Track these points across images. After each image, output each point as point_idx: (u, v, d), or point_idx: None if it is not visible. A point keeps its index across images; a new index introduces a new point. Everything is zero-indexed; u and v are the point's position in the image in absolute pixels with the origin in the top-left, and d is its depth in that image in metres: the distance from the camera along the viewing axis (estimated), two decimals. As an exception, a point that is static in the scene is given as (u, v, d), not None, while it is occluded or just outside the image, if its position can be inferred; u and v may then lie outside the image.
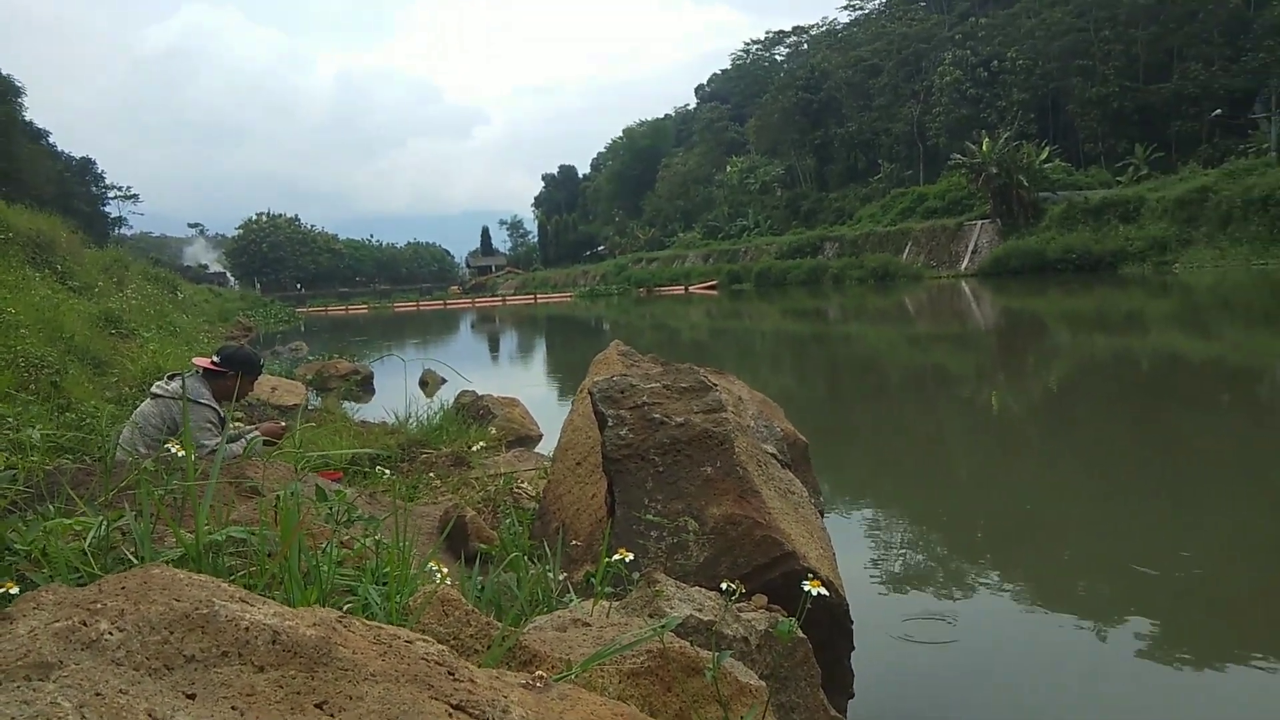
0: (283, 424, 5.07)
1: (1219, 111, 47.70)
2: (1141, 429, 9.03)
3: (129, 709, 0.89)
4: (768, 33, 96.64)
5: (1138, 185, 45.71)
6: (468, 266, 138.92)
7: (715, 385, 3.57)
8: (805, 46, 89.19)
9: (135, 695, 0.91)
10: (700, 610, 2.39)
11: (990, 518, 6.46)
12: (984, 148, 48.59)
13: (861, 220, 61.14)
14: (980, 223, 49.36)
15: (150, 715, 0.89)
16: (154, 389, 4.68)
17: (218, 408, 4.66)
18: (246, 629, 1.03)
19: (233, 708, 0.95)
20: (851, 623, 3.01)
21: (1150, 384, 12.08)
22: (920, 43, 66.89)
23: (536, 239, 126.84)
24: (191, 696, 0.95)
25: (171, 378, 4.71)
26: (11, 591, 1.83)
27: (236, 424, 4.86)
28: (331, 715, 0.98)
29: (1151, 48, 53.29)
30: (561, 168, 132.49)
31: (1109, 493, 6.81)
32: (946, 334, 21.98)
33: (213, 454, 4.37)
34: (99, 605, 1.01)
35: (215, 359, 4.80)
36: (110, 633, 0.98)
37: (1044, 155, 49.08)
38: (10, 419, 5.50)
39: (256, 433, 4.77)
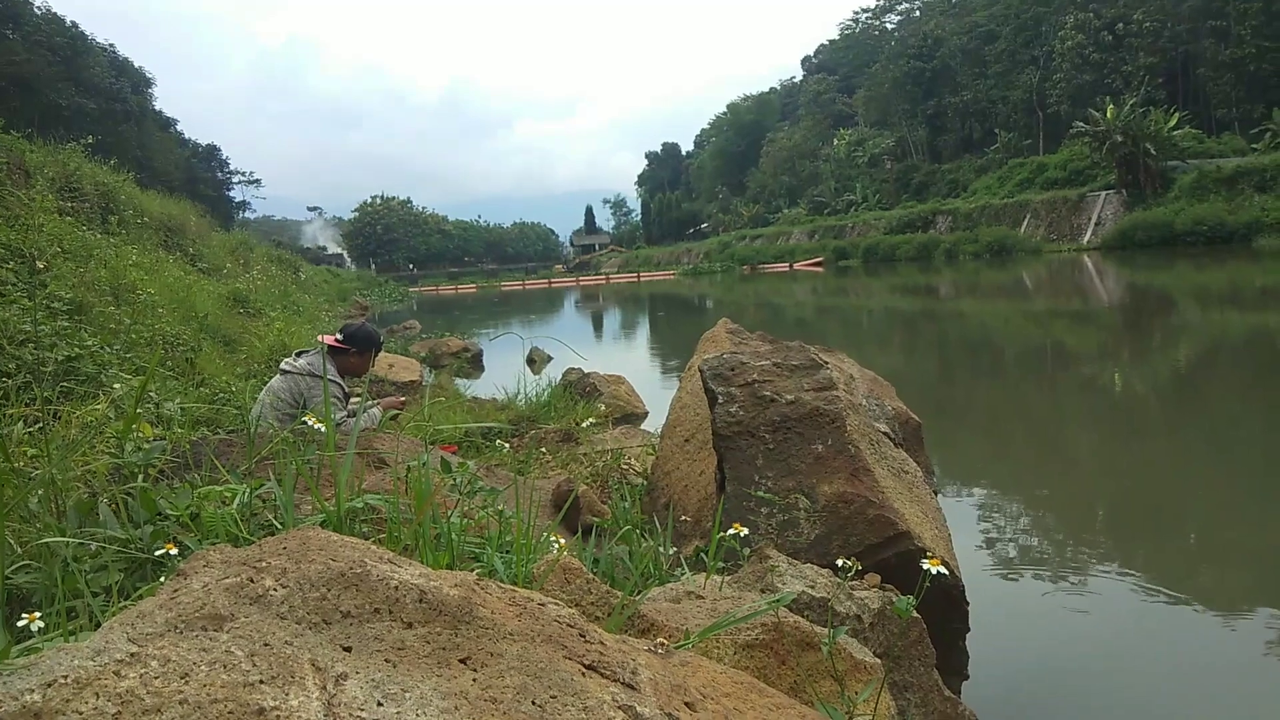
0: (402, 399, 5.28)
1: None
2: (1274, 412, 8.52)
3: (294, 659, 0.97)
4: (878, 0, 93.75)
5: (1275, 152, 42.77)
6: (572, 245, 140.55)
7: (826, 363, 3.54)
8: (918, 14, 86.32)
9: (299, 646, 0.99)
10: (813, 587, 2.40)
11: (1110, 502, 6.23)
12: (1108, 115, 46.26)
13: (976, 192, 59.12)
14: (1104, 193, 47.09)
15: (314, 664, 0.97)
16: (283, 365, 4.92)
17: (342, 383, 4.87)
18: (396, 588, 1.10)
19: (386, 660, 1.02)
20: (967, 604, 2.96)
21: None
22: (1040, 6, 63.89)
23: (640, 217, 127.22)
24: (348, 649, 1.02)
25: (299, 354, 4.94)
26: (171, 552, 1.98)
27: (356, 398, 5.08)
28: (475, 670, 1.04)
29: (1294, 4, 49.68)
30: (665, 145, 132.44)
31: (1237, 478, 6.47)
32: (1066, 310, 21.12)
33: (338, 427, 4.59)
34: (263, 563, 1.10)
35: (339, 337, 5.02)
36: (275, 589, 1.06)
37: (1173, 122, 46.39)
38: (153, 394, 5.88)
39: (378, 408, 4.98)
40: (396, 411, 4.93)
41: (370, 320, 26.73)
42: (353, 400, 5.01)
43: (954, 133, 70.15)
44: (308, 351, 4.96)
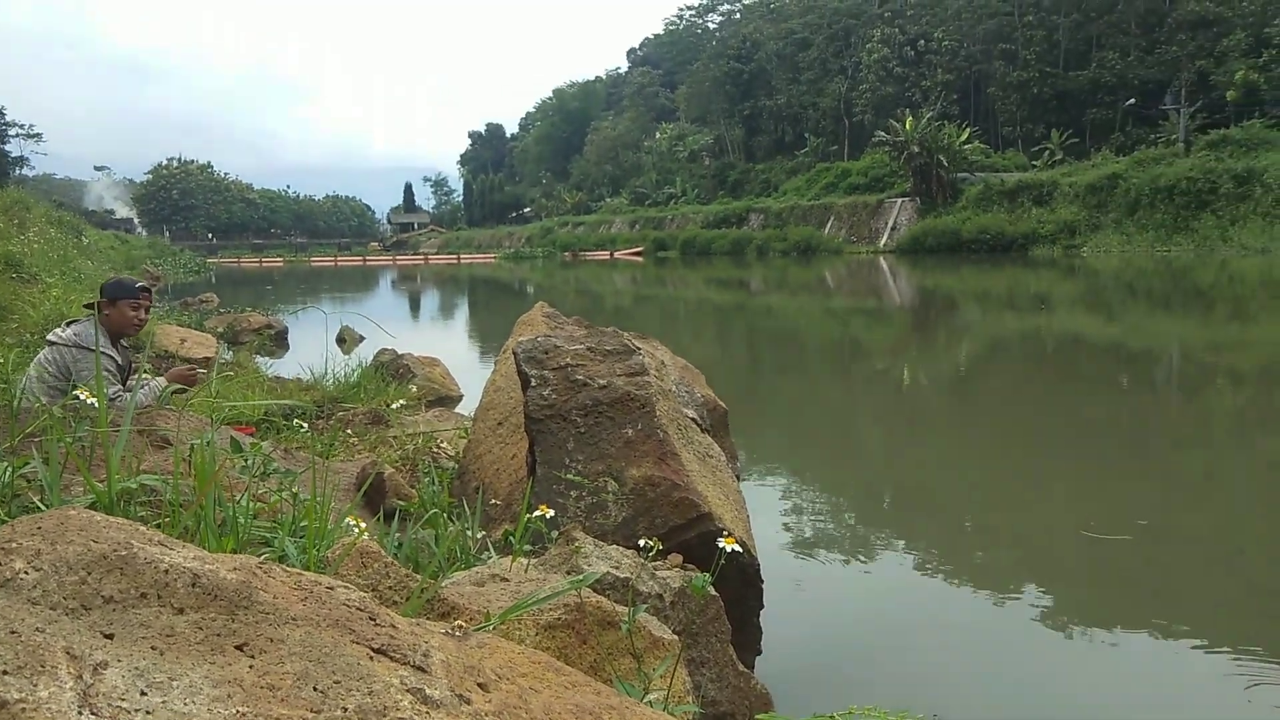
0: (193, 369, 4.87)
1: (1132, 101, 49.51)
2: (1043, 405, 9.42)
3: (46, 646, 0.89)
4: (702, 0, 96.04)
5: (1052, 170, 47.23)
6: (389, 223, 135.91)
7: (639, 349, 3.61)
8: (738, 15, 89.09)
9: (52, 634, 0.91)
10: (617, 568, 2.44)
11: (897, 487, 6.69)
12: (907, 126, 49.50)
13: (787, 193, 61.80)
14: (900, 200, 50.38)
15: (68, 653, 0.89)
16: (49, 336, 4.49)
17: (115, 354, 4.47)
18: (166, 571, 1.03)
19: (152, 647, 0.95)
20: (762, 582, 3.10)
21: (1053, 362, 12.58)
22: (850, 18, 67.53)
23: (461, 198, 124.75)
24: (110, 636, 0.94)
25: (69, 324, 4.52)
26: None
27: (145, 376, 4.67)
28: (252, 657, 0.99)
29: (1072, 35, 54.88)
30: (489, 125, 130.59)
31: (1010, 465, 7.12)
32: (863, 308, 22.47)
33: (111, 402, 4.23)
34: (13, 544, 1.00)
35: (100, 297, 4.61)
36: (26, 572, 0.97)
37: (964, 136, 50.23)
38: (-101, 363, 5.24)
39: (161, 380, 4.60)
40: (183, 386, 4.55)
41: (161, 292, 24.87)
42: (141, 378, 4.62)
43: (768, 134, 72.98)
44: (77, 321, 4.53)
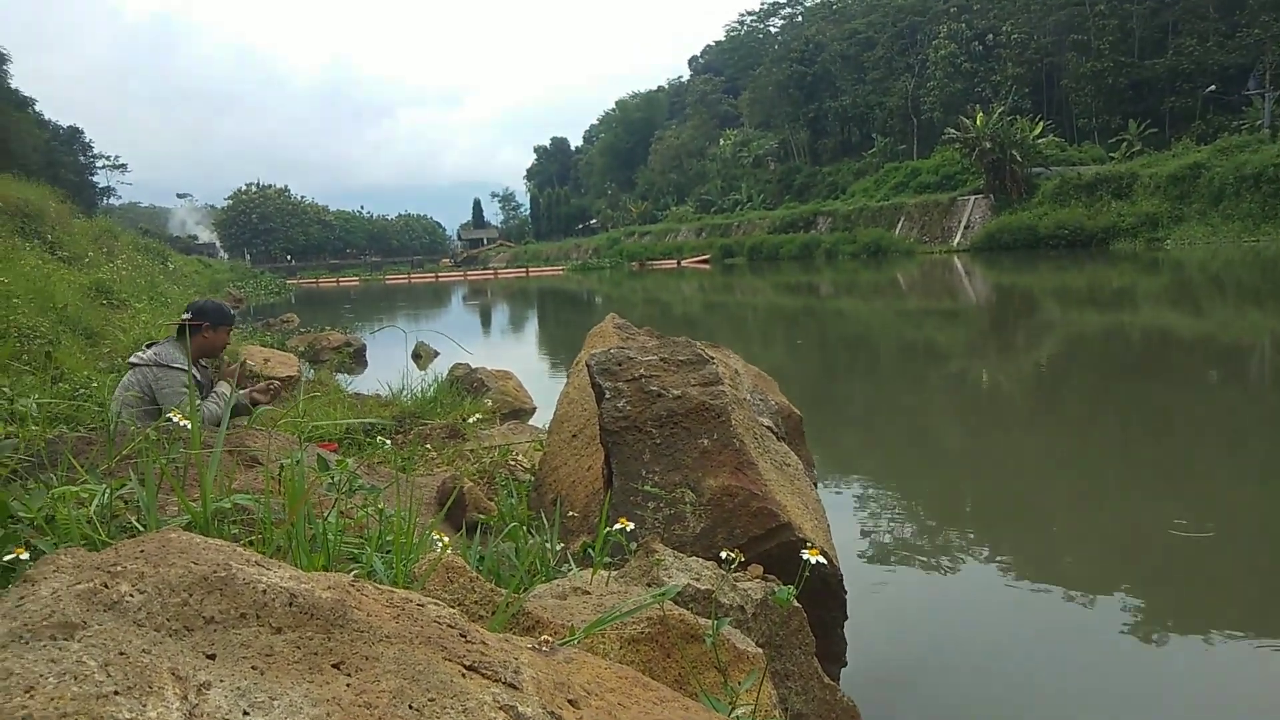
0: (275, 383, 5.00)
1: (1213, 88, 47.71)
2: (1130, 405, 9.10)
3: (153, 668, 0.91)
4: (763, 3, 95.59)
5: (1131, 161, 45.75)
6: (459, 239, 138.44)
7: (712, 358, 3.59)
8: (800, 18, 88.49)
9: (158, 655, 0.93)
10: (698, 579, 2.42)
11: (979, 491, 6.53)
12: (978, 122, 48.48)
13: (855, 195, 61.04)
14: (973, 198, 49.34)
15: (174, 674, 0.91)
16: (132, 358, 4.65)
17: (196, 371, 4.59)
18: (264, 591, 1.05)
19: (253, 667, 0.97)
20: (845, 592, 3.05)
21: (1140, 360, 12.16)
22: (915, 15, 66.51)
23: (529, 212, 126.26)
24: (212, 656, 0.97)
25: (149, 346, 4.67)
26: (21, 557, 1.85)
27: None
28: (349, 675, 1.01)
29: (1147, 23, 53.16)
30: (554, 140, 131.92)
31: (1098, 467, 6.89)
32: (938, 309, 22.04)
33: (215, 415, 4.38)
34: (119, 568, 1.03)
35: (188, 315, 4.75)
36: (131, 594, 1.00)
37: (1038, 130, 48.97)
38: (5, 389, 5.50)
39: (224, 386, 4.72)
40: (264, 401, 4.67)
41: (244, 314, 25.70)
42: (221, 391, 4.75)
43: (834, 136, 72.25)
44: (157, 342, 4.68)
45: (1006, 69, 58.32)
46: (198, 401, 4.45)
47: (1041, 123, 50.40)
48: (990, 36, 60.05)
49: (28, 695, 0.86)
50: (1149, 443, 7.40)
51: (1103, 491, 6.23)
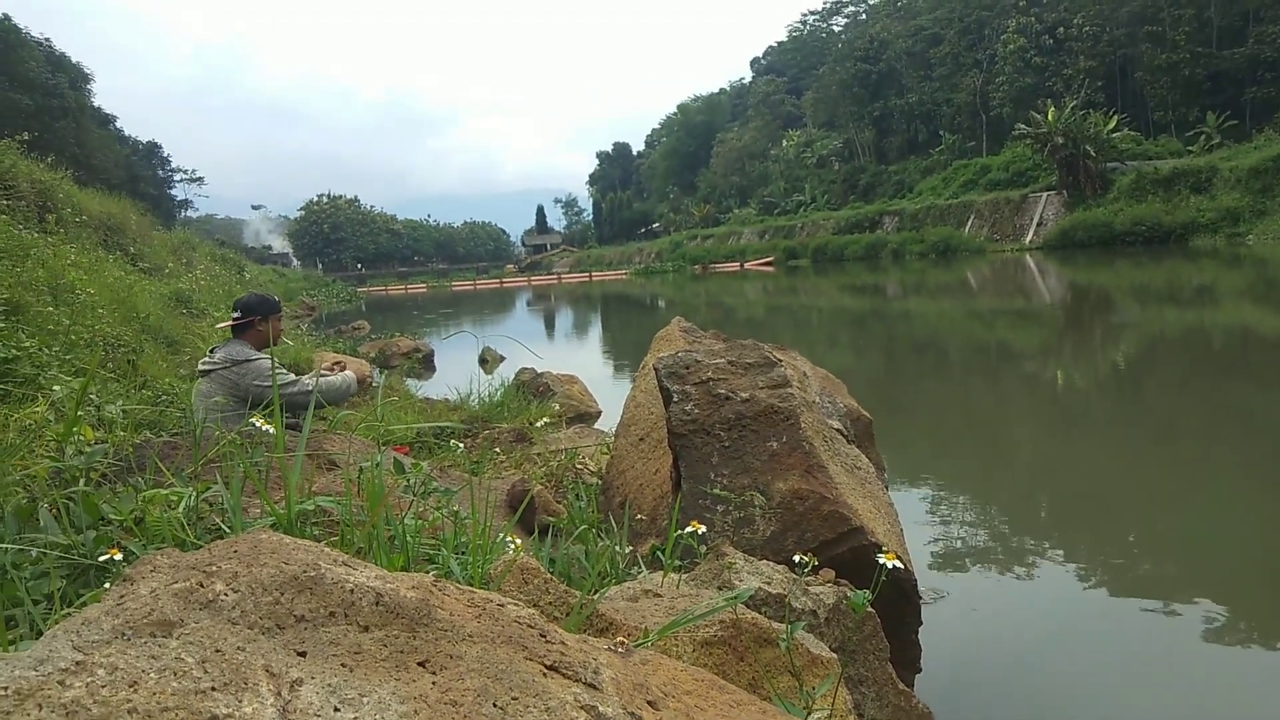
0: (340, 363, 5.17)
1: (1298, 76, 45.81)
2: (1212, 407, 8.78)
3: (248, 664, 0.94)
4: (826, 2, 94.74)
5: (1210, 154, 44.18)
6: (523, 245, 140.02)
7: (779, 361, 3.56)
8: (864, 16, 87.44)
9: (252, 652, 0.96)
10: (769, 583, 2.41)
11: (1054, 495, 6.36)
12: (1049, 117, 47.31)
13: (922, 193, 60.07)
14: (1045, 194, 48.15)
15: (267, 670, 0.94)
16: (200, 367, 4.73)
17: (270, 356, 4.69)
18: (351, 591, 1.08)
19: (342, 664, 0.99)
20: (920, 598, 3.00)
21: (1222, 361, 11.73)
22: (983, 10, 65.14)
23: (591, 217, 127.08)
24: (303, 654, 1.00)
25: (213, 351, 4.77)
26: (115, 558, 1.93)
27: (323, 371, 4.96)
28: (434, 673, 1.03)
29: (1225, 11, 51.23)
30: (616, 145, 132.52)
31: (1177, 472, 6.66)
32: (1010, 309, 21.56)
33: (306, 390, 4.51)
34: (213, 568, 1.07)
35: (236, 314, 4.86)
36: (226, 593, 1.03)
37: (1112, 124, 47.58)
38: (93, 396, 5.72)
39: (350, 373, 4.87)
40: (362, 383, 4.88)
41: (316, 321, 26.33)
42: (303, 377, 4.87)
43: (900, 134, 71.17)
44: (219, 346, 4.79)
45: (1078, 62, 56.78)
46: (294, 376, 4.58)
47: (1116, 117, 48.96)
48: (1061, 30, 58.51)
49: (131, 690, 0.90)
50: (1232, 446, 7.13)
51: (1184, 497, 6.02)
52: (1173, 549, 5.01)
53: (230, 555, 1.09)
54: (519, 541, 2.30)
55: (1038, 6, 61.20)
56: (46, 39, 64.49)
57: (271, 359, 4.50)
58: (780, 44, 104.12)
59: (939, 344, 16.19)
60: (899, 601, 2.96)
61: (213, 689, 0.91)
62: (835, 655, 2.09)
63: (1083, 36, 56.86)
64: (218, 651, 0.95)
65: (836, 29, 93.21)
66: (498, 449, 6.13)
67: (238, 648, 0.96)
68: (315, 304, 37.30)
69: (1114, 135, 47.38)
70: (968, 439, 8.40)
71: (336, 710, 0.92)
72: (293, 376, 4.65)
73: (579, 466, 5.75)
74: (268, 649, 0.98)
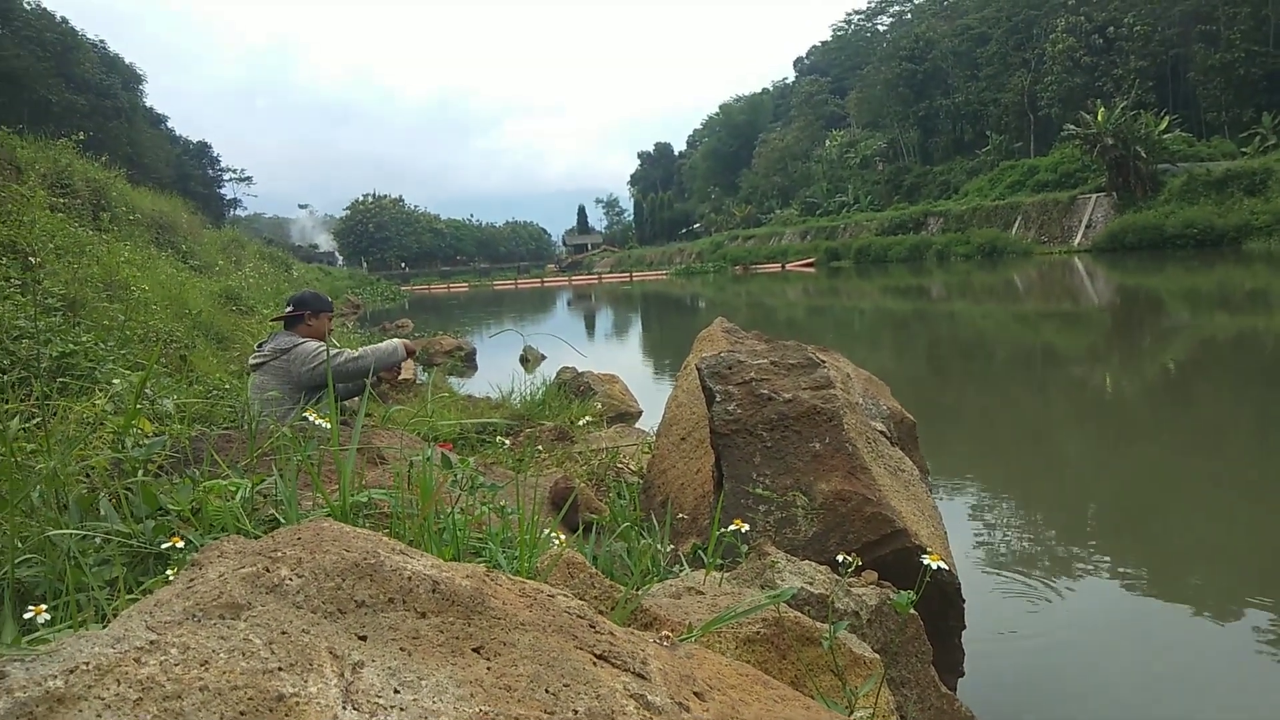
0: (414, 345, 5.27)
1: (1359, 75, 44.53)
2: (1263, 416, 8.58)
3: (312, 647, 0.98)
4: (870, 2, 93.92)
5: (1264, 156, 43.05)
6: (564, 245, 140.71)
7: (823, 362, 3.56)
8: (909, 16, 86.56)
9: (316, 635, 1.00)
10: (811, 583, 2.42)
11: (1101, 501, 6.27)
12: (1099, 118, 46.46)
13: (968, 194, 59.30)
14: (1095, 196, 47.29)
15: (331, 652, 0.98)
16: (251, 361, 4.79)
17: (312, 342, 4.74)
18: (409, 578, 1.12)
19: (401, 649, 1.03)
20: (963, 601, 2.99)
21: (1273, 367, 11.45)
22: (1031, 9, 64.13)
23: (632, 217, 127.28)
24: (364, 638, 1.03)
25: (261, 345, 4.83)
26: (177, 545, 1.99)
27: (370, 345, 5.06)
28: (488, 659, 1.06)
29: (1282, 9, 49.99)
30: (657, 145, 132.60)
31: (1227, 480, 6.52)
32: (1057, 312, 21.23)
33: (356, 358, 4.60)
34: (278, 554, 1.11)
35: (290, 309, 4.94)
36: (290, 578, 1.07)
37: (1163, 125, 46.60)
38: (149, 390, 5.87)
39: (397, 340, 4.96)
40: (414, 349, 4.99)
41: (361, 319, 26.70)
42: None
43: (945, 134, 70.35)
44: (267, 340, 4.85)
45: (1129, 62, 55.69)
46: (344, 349, 4.67)
47: (1167, 117, 47.95)
48: (1111, 29, 57.43)
49: (203, 669, 0.94)
50: (1289, 454, 6.97)
51: (1231, 504, 5.90)
52: (1220, 557, 4.92)
53: (294, 542, 1.13)
54: (563, 537, 2.33)
55: (1087, 5, 60.12)
56: (101, 41, 66.19)
57: (326, 343, 4.59)
58: (824, 44, 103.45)
59: (984, 347, 16.00)
60: (942, 604, 2.95)
61: (279, 669, 0.95)
62: (878, 656, 2.09)
63: (1133, 36, 55.75)
64: (284, 634, 0.99)
65: (881, 28, 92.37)
66: (540, 447, 6.19)
67: (303, 630, 1.00)
68: (360, 302, 37.82)
69: (1165, 136, 46.39)
70: (1012, 443, 8.30)
71: (397, 692, 0.96)
72: (358, 352, 4.76)
73: (620, 465, 5.79)
74: (331, 632, 1.01)
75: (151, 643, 0.95)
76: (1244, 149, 46.50)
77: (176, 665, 0.93)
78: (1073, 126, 48.80)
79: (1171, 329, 16.16)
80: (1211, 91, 52.03)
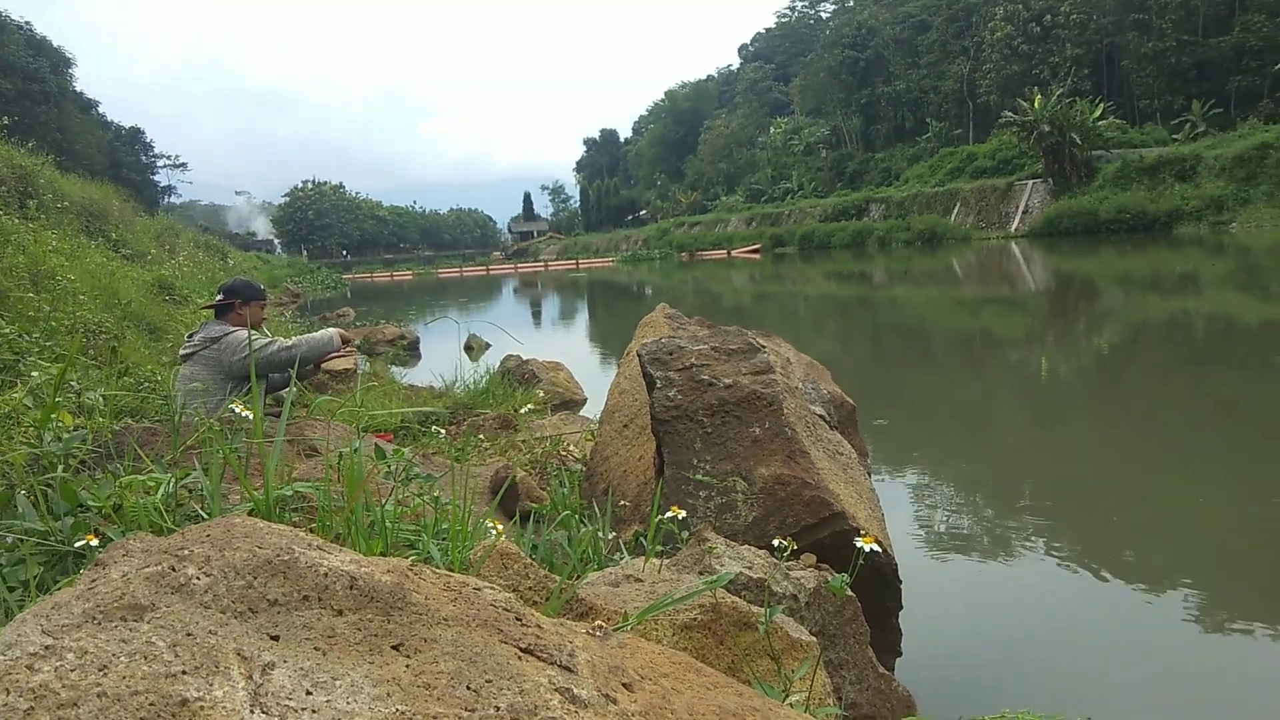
0: (351, 334, 5.15)
1: (1282, 65, 45.98)
2: (1194, 394, 8.85)
3: (219, 648, 0.94)
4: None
5: (1194, 143, 44.36)
6: (510, 232, 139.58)
7: (763, 347, 3.57)
8: (852, 3, 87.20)
9: (224, 636, 0.96)
10: (750, 568, 2.42)
11: (1037, 482, 6.41)
12: (1036, 105, 47.39)
13: (909, 181, 60.13)
14: (1031, 182, 48.28)
15: (239, 654, 0.94)
16: (181, 352, 4.66)
17: (243, 331, 4.62)
18: (325, 574, 1.08)
19: (315, 648, 0.99)
20: (900, 582, 3.02)
21: (1205, 347, 11.82)
22: (970, -2, 65.11)
23: (578, 204, 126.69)
24: (276, 638, 0.99)
25: (192, 335, 4.71)
26: (91, 544, 1.92)
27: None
28: (408, 657, 1.02)
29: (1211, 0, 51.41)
30: (603, 132, 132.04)
31: (1158, 458, 6.72)
32: (995, 297, 21.65)
33: (288, 347, 4.48)
34: (186, 552, 1.06)
35: (219, 296, 4.82)
36: (198, 577, 1.03)
37: (1098, 113, 47.68)
38: (73, 382, 5.67)
39: (333, 330, 4.82)
40: (351, 338, 4.82)
41: (301, 308, 26.20)
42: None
43: (887, 122, 71.16)
44: (197, 330, 4.73)
45: (1065, 50, 56.83)
46: (276, 338, 4.55)
47: (1102, 104, 49.07)
48: (1048, 17, 58.51)
49: (101, 673, 0.89)
50: (1214, 433, 7.19)
51: (1165, 483, 6.08)
52: (1153, 534, 5.06)
53: (203, 539, 1.09)
54: (500, 527, 2.30)
55: (1025, -6, 61.19)
56: (27, 22, 63.71)
57: (259, 331, 4.46)
58: (768, 30, 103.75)
59: (924, 331, 16.25)
60: (879, 586, 2.98)
61: (183, 672, 0.90)
62: (815, 639, 2.10)
63: (1070, 24, 56.89)
64: (189, 635, 0.95)
65: (824, 15, 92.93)
66: (482, 436, 6.12)
67: (209, 631, 0.96)
68: (300, 291, 37.10)
69: (1100, 123, 47.49)
70: (951, 425, 8.44)
71: (309, 693, 0.92)
72: (271, 338, 4.62)
73: (563, 453, 5.75)
74: (240, 633, 0.97)
75: (46, 648, 0.90)
76: (1175, 136, 47.82)
77: (73, 671, 0.88)
78: (1010, 114, 49.69)
79: (1105, 312, 16.58)
80: (1144, 79, 53.34)
